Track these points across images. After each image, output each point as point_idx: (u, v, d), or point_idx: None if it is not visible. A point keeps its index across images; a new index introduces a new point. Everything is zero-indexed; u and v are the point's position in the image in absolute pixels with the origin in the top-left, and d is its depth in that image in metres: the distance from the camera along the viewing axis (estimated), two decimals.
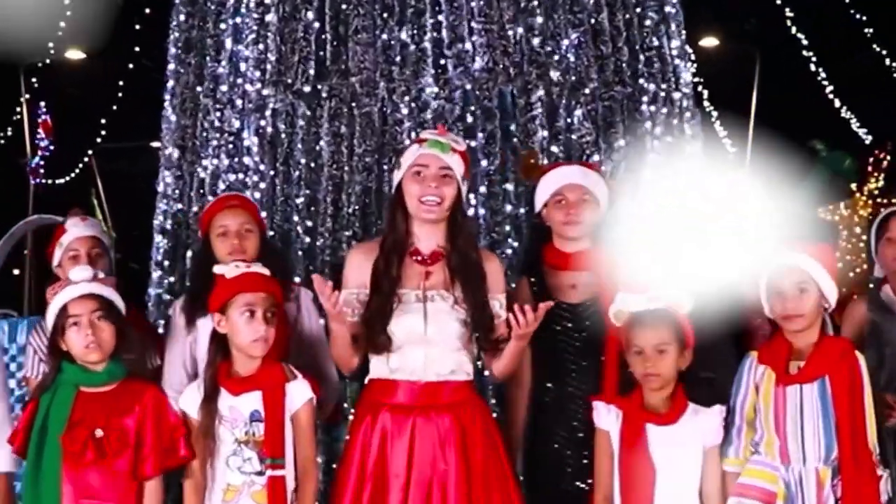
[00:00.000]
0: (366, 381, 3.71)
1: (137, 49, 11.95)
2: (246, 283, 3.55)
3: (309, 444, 3.56)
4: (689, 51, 7.15)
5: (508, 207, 6.16)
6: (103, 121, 14.23)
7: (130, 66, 12.40)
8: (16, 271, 14.29)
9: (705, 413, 3.61)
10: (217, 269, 3.65)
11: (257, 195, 6.30)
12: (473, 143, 6.18)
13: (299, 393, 3.56)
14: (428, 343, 3.58)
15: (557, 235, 4.13)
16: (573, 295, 4.06)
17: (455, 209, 3.68)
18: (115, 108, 13.82)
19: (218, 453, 3.54)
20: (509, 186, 6.17)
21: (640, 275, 3.74)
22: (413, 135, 6.18)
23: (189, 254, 6.45)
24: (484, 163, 6.15)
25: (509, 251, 6.11)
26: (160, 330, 5.10)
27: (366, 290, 3.62)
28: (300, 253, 6.17)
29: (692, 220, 4.31)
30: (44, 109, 14.77)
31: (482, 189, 6.15)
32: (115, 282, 3.85)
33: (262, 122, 6.43)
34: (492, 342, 3.66)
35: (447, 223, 3.68)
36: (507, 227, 6.16)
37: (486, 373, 4.13)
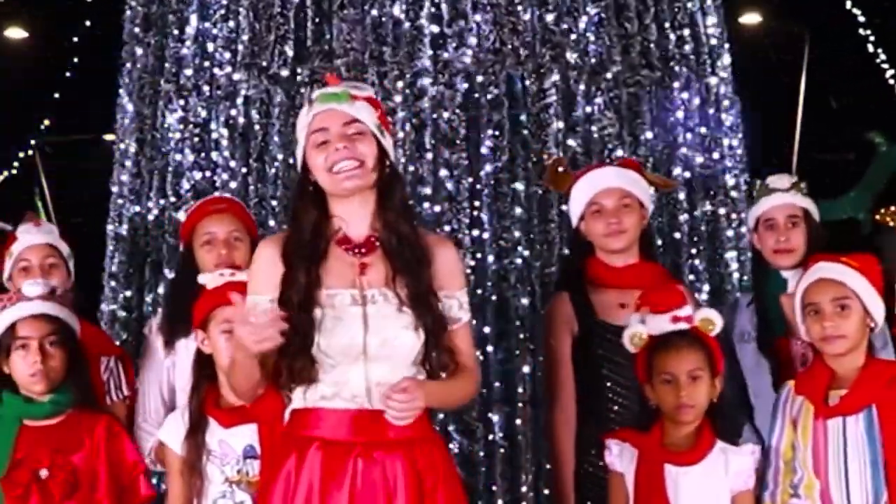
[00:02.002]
0: (287, 412, 3.26)
1: (88, 24, 11.95)
2: (226, 294, 3.54)
3: None
4: (728, 29, 7.17)
5: (518, 211, 6.16)
6: (50, 104, 14.24)
7: (79, 43, 12.42)
8: None
9: (735, 453, 3.59)
10: (201, 278, 3.66)
11: (227, 196, 6.31)
12: (477, 136, 6.20)
13: None
14: (370, 359, 3.13)
15: (601, 249, 4.14)
16: (622, 315, 4.06)
17: (382, 171, 3.20)
18: (62, 94, 13.81)
19: (205, 494, 3.54)
20: (519, 186, 6.18)
21: (660, 291, 3.75)
22: (408, 126, 6.20)
23: (147, 262, 6.46)
24: (490, 158, 6.16)
25: (519, 261, 6.12)
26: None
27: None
28: None
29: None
30: None
31: (487, 190, 6.15)
32: (72, 299, 3.85)
33: (233, 112, 6.44)
34: (442, 348, 3.19)
35: (377, 193, 3.21)
36: (517, 234, 6.16)
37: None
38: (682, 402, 3.55)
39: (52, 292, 3.73)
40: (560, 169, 4.39)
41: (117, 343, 5.76)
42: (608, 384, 3.99)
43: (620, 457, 3.62)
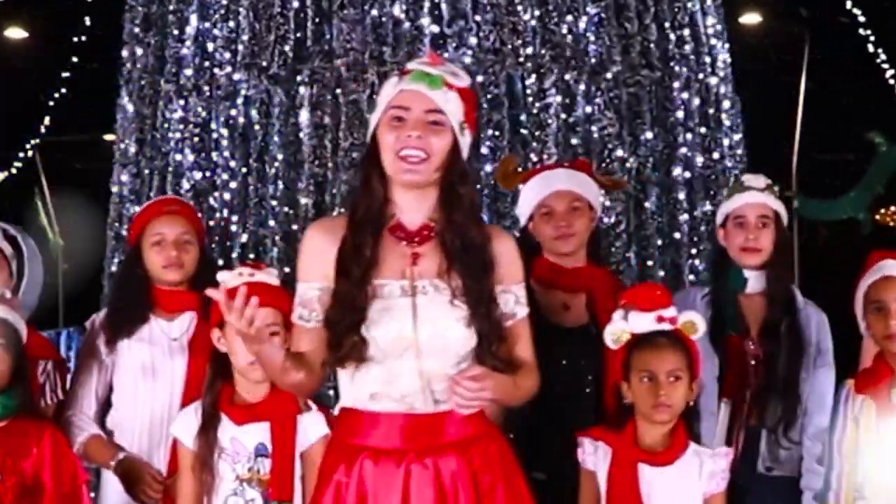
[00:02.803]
0: (336, 410, 3.14)
1: (88, 21, 11.96)
2: (244, 293, 3.54)
3: None
4: (728, 29, 7.17)
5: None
6: (50, 104, 14.26)
7: (79, 43, 12.43)
8: None
9: (709, 454, 3.59)
10: (220, 276, 3.67)
11: (227, 195, 6.32)
12: (477, 136, 6.21)
13: (313, 427, 3.54)
14: (421, 355, 2.97)
15: (548, 251, 4.14)
16: (566, 318, 4.07)
17: (450, 169, 3.04)
18: (62, 94, 13.83)
19: (216, 491, 3.55)
20: (520, 186, 6.18)
21: (646, 290, 3.75)
22: None
23: None
24: (490, 158, 6.17)
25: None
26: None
27: (331, 285, 3.03)
28: (276, 262, 6.19)
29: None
30: None
31: (487, 190, 6.16)
32: (18, 302, 3.85)
33: (233, 112, 6.44)
34: (497, 355, 3.03)
35: (440, 188, 3.06)
36: (517, 234, 6.15)
37: None
38: (660, 402, 3.53)
39: (1, 297, 3.72)
40: (511, 167, 4.38)
41: None
42: (551, 389, 3.98)
43: (594, 455, 3.61)
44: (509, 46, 6.29)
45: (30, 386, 3.75)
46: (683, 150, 6.58)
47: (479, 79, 6.23)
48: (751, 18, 14.78)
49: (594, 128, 6.35)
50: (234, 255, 6.42)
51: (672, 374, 3.55)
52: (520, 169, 4.38)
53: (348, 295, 2.95)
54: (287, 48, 6.36)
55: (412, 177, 2.99)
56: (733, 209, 4.17)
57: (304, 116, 6.31)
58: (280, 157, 6.33)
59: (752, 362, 4.06)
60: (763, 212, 4.16)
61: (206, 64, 6.51)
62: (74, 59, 12.84)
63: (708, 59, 6.77)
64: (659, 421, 3.55)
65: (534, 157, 6.20)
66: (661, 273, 6.37)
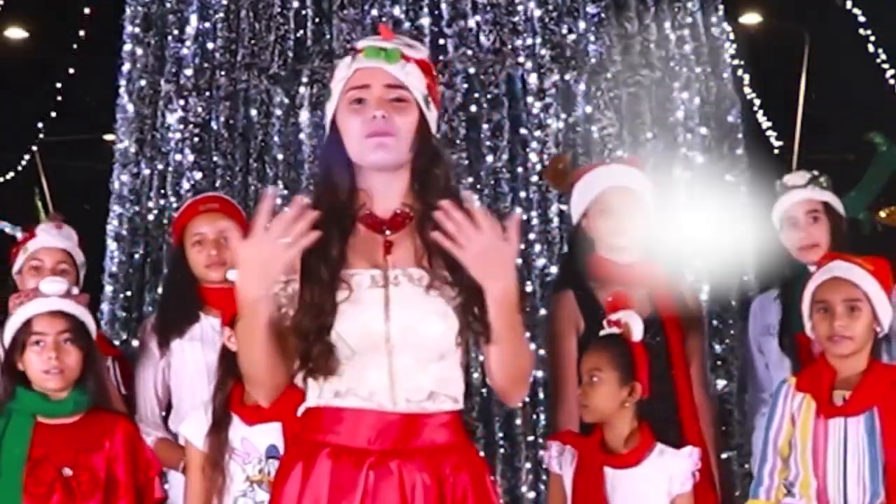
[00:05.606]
0: (300, 410, 2.89)
1: (87, 11, 11.97)
2: None
3: None
4: (728, 29, 7.17)
5: (517, 210, 6.16)
6: (51, 103, 14.26)
7: (79, 43, 12.42)
8: None
9: (673, 455, 3.58)
10: (230, 274, 3.66)
11: (227, 195, 6.31)
12: (477, 136, 6.20)
13: None
14: (393, 351, 2.72)
15: (605, 247, 4.13)
16: None
17: (421, 148, 2.79)
18: (62, 94, 13.82)
19: (226, 492, 3.54)
20: (519, 186, 6.19)
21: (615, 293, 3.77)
22: None
23: (147, 262, 6.46)
24: (490, 158, 6.17)
25: (519, 261, 6.11)
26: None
27: (296, 276, 2.75)
28: None
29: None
30: None
31: (487, 190, 6.16)
32: (88, 300, 3.86)
33: (233, 112, 6.44)
34: (482, 319, 2.71)
35: (411, 171, 2.81)
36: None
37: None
38: (579, 402, 3.59)
39: (68, 292, 3.74)
40: (561, 166, 4.37)
41: (116, 343, 5.78)
42: None
43: (560, 458, 3.61)
44: (509, 46, 6.29)
45: (104, 381, 3.77)
46: (683, 150, 6.57)
47: (480, 78, 6.23)
48: (751, 18, 14.77)
49: (594, 128, 6.34)
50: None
51: (590, 373, 3.58)
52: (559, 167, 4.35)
53: (315, 299, 2.71)
54: (287, 48, 6.36)
55: (383, 157, 2.75)
56: (783, 211, 4.20)
57: (304, 116, 6.31)
58: (280, 157, 6.33)
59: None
60: (810, 207, 4.19)
61: (206, 64, 6.51)
62: (74, 59, 12.82)
63: (708, 59, 6.76)
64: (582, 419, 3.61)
65: (534, 157, 6.20)
66: None
